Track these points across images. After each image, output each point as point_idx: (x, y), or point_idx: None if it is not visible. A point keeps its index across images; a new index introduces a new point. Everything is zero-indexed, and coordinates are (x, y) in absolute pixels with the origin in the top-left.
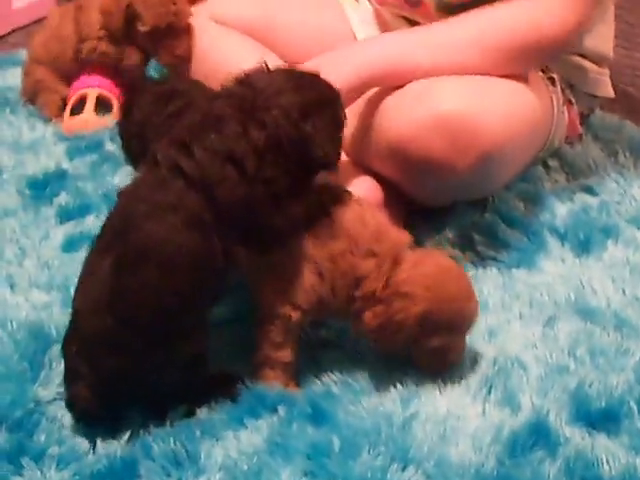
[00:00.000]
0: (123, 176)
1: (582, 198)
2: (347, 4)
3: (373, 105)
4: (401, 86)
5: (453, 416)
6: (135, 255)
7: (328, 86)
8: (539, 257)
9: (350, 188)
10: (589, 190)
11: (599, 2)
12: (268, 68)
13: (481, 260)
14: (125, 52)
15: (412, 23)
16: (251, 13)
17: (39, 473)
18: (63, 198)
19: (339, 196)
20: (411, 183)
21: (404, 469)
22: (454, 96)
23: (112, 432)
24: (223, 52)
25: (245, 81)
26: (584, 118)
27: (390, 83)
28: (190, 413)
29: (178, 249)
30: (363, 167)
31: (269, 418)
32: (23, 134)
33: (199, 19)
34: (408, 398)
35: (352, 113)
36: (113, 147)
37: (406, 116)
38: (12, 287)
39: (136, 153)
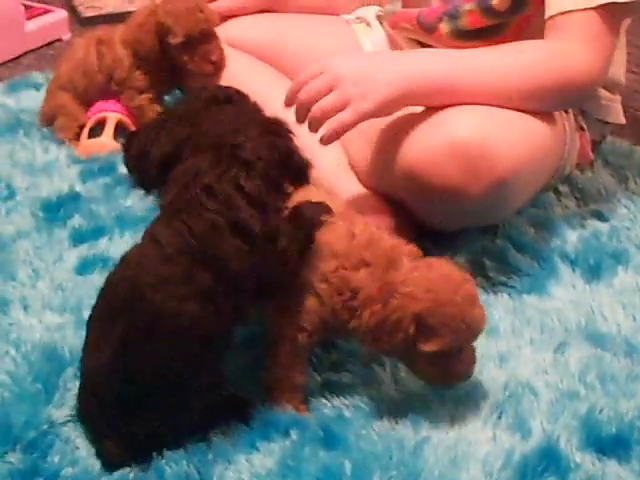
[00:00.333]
0: (136, 199)
1: (592, 224)
2: (359, 29)
3: (387, 130)
4: (417, 112)
5: (464, 441)
6: (145, 327)
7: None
8: (550, 283)
9: (361, 214)
10: (599, 216)
11: (615, 46)
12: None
13: (492, 285)
14: (126, 93)
15: (425, 47)
16: (262, 36)
17: None
18: (76, 220)
19: (321, 218)
20: (424, 208)
21: None
22: (469, 123)
23: None
24: (232, 74)
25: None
26: (595, 145)
27: (425, 101)
28: (203, 436)
29: (190, 321)
30: (374, 191)
31: (281, 441)
32: (37, 156)
33: None
34: (419, 422)
35: (366, 138)
36: (126, 170)
37: (421, 142)
38: (26, 309)
39: (140, 184)
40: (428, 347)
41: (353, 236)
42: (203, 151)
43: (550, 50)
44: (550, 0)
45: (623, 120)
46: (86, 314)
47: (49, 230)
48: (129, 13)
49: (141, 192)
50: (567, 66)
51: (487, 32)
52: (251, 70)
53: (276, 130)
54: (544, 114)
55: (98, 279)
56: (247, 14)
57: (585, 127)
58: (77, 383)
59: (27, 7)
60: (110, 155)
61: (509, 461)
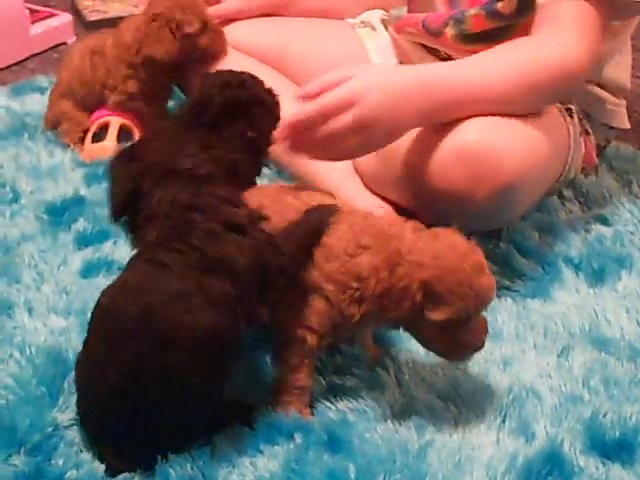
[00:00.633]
0: None
1: (596, 228)
2: (364, 33)
3: None
4: None
5: (468, 444)
6: (162, 344)
7: None
8: (553, 287)
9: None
10: (603, 220)
11: (606, 32)
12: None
13: (496, 289)
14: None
15: (431, 51)
16: (265, 40)
17: None
18: (81, 224)
19: (328, 221)
20: (430, 213)
21: None
22: (475, 128)
23: None
24: None
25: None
26: (600, 150)
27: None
28: (208, 440)
29: (208, 330)
30: (380, 196)
31: (285, 445)
32: (41, 160)
33: None
34: (423, 426)
35: None
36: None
37: (428, 147)
38: (30, 312)
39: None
40: (436, 315)
41: (355, 231)
42: (166, 180)
43: (542, 44)
44: None
45: (628, 125)
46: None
47: (54, 233)
48: None
49: None
50: (561, 59)
51: (492, 35)
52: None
53: (214, 144)
54: (549, 118)
55: (103, 282)
56: (251, 17)
57: (590, 131)
58: None
59: (32, 11)
60: None
61: (513, 465)
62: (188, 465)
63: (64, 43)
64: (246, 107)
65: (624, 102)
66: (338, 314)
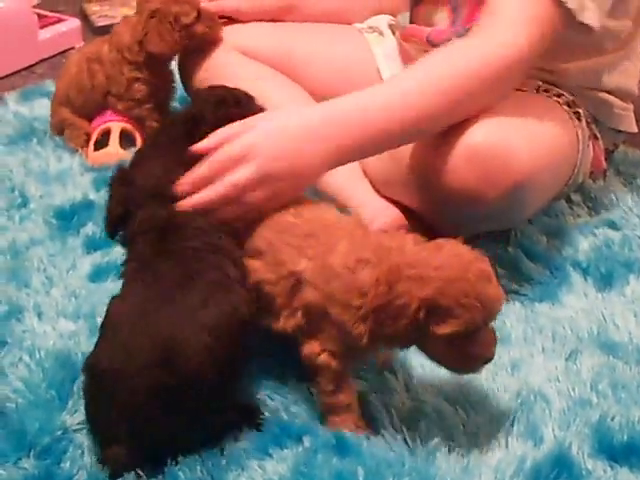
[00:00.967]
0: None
1: (604, 232)
2: (372, 38)
3: None
4: None
5: (476, 448)
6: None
7: None
8: (562, 291)
9: (376, 219)
10: (611, 224)
11: (547, 41)
12: None
13: (504, 294)
14: (126, 105)
15: None
16: (270, 44)
17: None
18: (90, 228)
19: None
20: (440, 214)
21: None
22: (484, 128)
23: None
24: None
25: None
26: (608, 154)
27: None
28: (217, 443)
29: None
30: (389, 198)
31: (294, 448)
32: (50, 165)
33: (219, 48)
34: (431, 429)
35: None
36: None
37: (438, 147)
38: (39, 316)
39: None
40: (442, 330)
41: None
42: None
43: (472, 46)
44: None
45: (635, 129)
46: (99, 321)
47: (62, 238)
48: None
49: None
50: (496, 55)
51: None
52: (261, 78)
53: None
54: (558, 121)
55: (111, 286)
56: (251, 20)
57: (599, 135)
58: None
59: (40, 16)
60: (121, 163)
61: (521, 468)
62: (197, 468)
63: (72, 48)
64: None
65: (631, 106)
66: (347, 336)
